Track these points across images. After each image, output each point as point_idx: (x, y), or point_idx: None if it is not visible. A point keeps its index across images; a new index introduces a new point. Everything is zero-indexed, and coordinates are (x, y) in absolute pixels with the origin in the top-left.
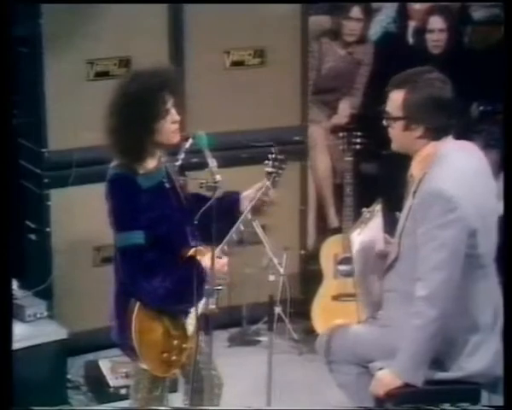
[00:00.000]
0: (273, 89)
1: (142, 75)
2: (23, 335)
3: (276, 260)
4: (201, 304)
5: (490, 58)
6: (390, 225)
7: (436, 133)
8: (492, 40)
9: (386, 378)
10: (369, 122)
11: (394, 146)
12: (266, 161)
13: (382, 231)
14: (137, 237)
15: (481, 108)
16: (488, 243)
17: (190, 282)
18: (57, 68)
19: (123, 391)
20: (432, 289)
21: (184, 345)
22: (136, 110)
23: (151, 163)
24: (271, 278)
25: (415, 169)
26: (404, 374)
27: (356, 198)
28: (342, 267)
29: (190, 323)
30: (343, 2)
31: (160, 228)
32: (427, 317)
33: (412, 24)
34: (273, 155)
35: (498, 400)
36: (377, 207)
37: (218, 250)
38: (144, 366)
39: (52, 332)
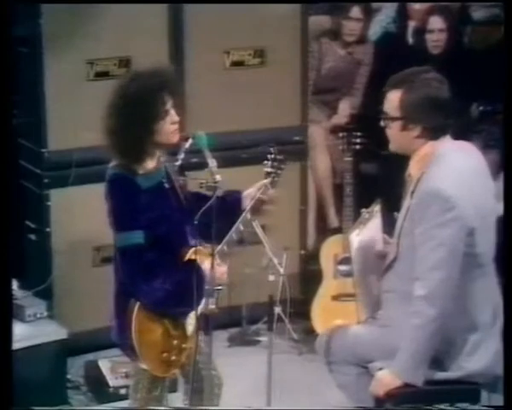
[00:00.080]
0: (273, 89)
1: (142, 76)
2: (23, 335)
3: (276, 260)
4: (201, 304)
5: (490, 58)
6: (389, 226)
7: (434, 133)
8: (492, 40)
9: (386, 378)
10: (369, 122)
11: (392, 146)
12: (265, 162)
13: (381, 231)
14: (137, 237)
15: (481, 108)
16: (486, 242)
17: (190, 286)
18: (57, 68)
19: (123, 391)
20: (430, 288)
21: (184, 345)
22: (136, 111)
23: (150, 163)
24: (271, 278)
25: (413, 169)
26: (403, 374)
27: (356, 198)
28: (342, 267)
29: (190, 323)
30: (343, 2)
31: (159, 228)
32: (426, 316)
33: (412, 24)
34: (272, 156)
35: (498, 399)
36: (376, 208)
37: (217, 250)
38: (144, 366)
39: (52, 332)
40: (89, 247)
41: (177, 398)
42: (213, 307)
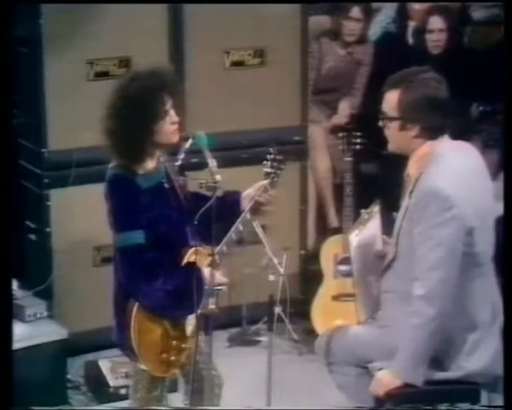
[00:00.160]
0: (273, 89)
1: (141, 76)
2: (23, 335)
3: (276, 260)
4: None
5: (490, 58)
6: (388, 226)
7: (432, 133)
8: (492, 40)
9: (386, 378)
10: (369, 122)
11: (391, 147)
12: (265, 162)
13: (380, 231)
14: (137, 237)
15: (481, 108)
16: (485, 242)
17: (189, 288)
18: (57, 68)
19: (123, 391)
20: (429, 288)
21: (183, 345)
22: (136, 111)
23: (150, 163)
24: (271, 278)
25: (411, 169)
26: (403, 374)
27: (356, 198)
28: (342, 267)
29: (190, 323)
30: (343, 2)
31: (159, 228)
32: (425, 316)
33: (412, 24)
34: (272, 156)
35: (498, 399)
36: (375, 208)
37: (217, 250)
38: (143, 367)
39: (52, 332)
40: (89, 247)
41: (178, 398)
42: (213, 307)
